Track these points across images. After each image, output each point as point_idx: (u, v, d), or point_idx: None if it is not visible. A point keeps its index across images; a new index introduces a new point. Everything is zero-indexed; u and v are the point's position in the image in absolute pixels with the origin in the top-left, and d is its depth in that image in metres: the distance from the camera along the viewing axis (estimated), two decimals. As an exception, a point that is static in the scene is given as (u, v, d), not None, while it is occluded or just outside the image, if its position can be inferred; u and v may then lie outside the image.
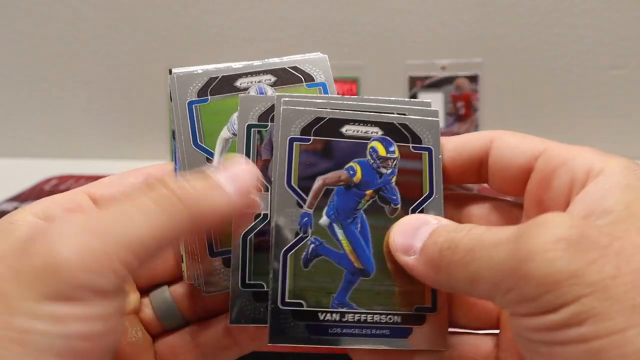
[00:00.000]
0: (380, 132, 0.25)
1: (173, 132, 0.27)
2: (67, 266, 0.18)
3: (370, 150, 0.25)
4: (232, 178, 0.22)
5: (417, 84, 0.67)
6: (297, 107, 0.25)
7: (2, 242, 0.20)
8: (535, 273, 0.18)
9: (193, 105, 0.26)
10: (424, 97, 0.67)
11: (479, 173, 0.26)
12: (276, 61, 0.28)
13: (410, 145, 0.25)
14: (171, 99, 0.27)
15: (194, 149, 0.26)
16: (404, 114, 0.26)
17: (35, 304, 0.17)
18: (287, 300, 0.24)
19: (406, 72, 0.67)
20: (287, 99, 0.25)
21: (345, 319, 0.24)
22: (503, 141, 0.24)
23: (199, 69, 0.27)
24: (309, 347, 0.24)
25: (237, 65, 0.28)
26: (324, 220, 0.24)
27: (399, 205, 0.25)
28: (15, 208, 0.46)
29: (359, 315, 0.24)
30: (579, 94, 0.75)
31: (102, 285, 0.18)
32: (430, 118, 0.26)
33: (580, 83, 0.75)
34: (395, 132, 0.25)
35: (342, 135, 0.25)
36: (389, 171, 0.25)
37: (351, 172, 0.25)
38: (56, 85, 0.80)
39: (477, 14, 0.73)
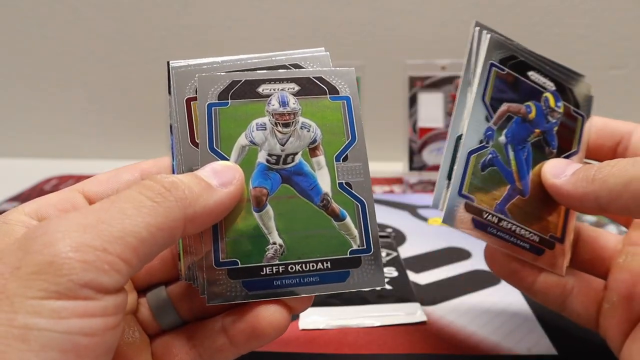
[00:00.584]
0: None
1: (171, 127, 0.26)
2: (68, 264, 0.18)
3: (544, 99, 0.30)
4: (215, 173, 0.24)
5: (417, 84, 0.67)
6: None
7: None
8: None
9: (213, 108, 0.26)
10: (424, 97, 0.67)
11: (614, 151, 0.30)
12: (301, 69, 0.27)
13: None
14: (169, 93, 0.26)
15: (209, 153, 0.25)
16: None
17: (37, 301, 0.18)
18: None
19: (406, 72, 0.66)
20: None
21: None
22: None
23: (208, 64, 0.27)
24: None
25: (255, 60, 0.27)
26: (502, 138, 0.29)
27: (554, 150, 0.30)
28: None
29: None
30: (579, 94, 0.75)
31: (103, 282, 0.19)
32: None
33: (581, 83, 0.74)
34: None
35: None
36: (553, 120, 0.30)
37: (528, 110, 0.30)
38: (56, 85, 0.80)
39: (477, 14, 0.73)
